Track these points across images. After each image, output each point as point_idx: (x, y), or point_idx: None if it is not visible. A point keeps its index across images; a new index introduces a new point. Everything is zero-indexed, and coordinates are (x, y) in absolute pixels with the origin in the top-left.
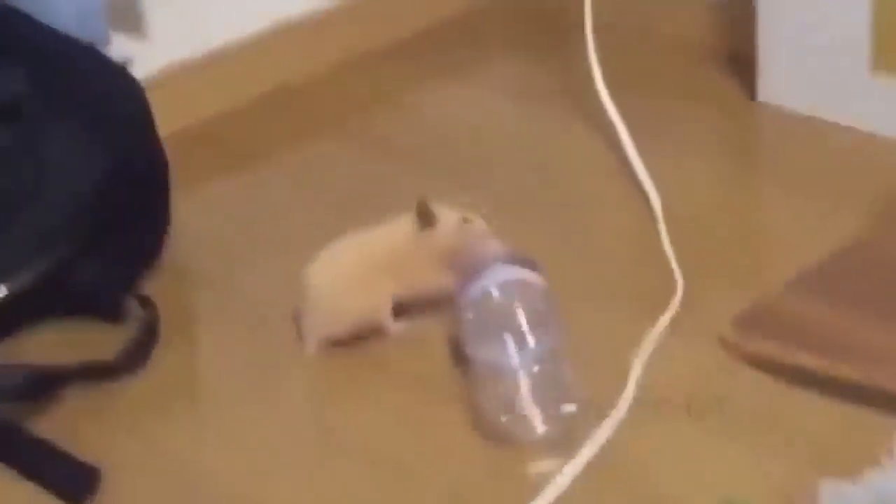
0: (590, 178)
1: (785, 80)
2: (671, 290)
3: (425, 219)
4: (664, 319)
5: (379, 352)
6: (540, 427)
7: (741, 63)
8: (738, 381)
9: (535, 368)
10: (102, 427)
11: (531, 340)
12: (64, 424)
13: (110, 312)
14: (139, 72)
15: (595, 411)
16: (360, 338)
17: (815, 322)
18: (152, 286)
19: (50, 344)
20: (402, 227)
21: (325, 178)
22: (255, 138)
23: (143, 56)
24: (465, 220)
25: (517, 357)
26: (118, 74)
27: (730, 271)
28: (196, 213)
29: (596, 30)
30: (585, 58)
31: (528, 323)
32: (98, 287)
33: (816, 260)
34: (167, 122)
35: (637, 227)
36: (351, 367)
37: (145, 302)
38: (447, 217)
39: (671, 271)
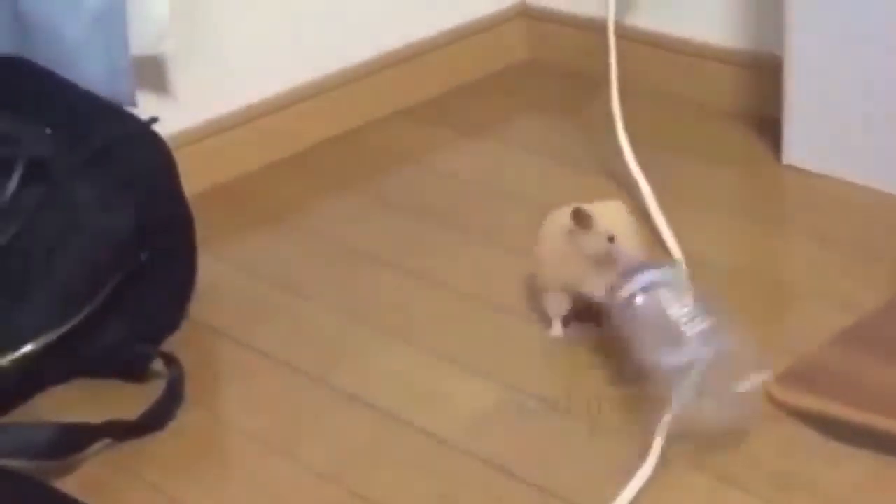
0: None
1: (810, 141)
2: None
3: (581, 221)
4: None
5: (397, 410)
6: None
7: (767, 124)
8: (768, 440)
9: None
10: (128, 485)
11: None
12: (90, 482)
13: (135, 370)
14: (165, 131)
15: (621, 472)
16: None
17: (860, 377)
18: (177, 344)
19: (75, 402)
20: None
21: (348, 235)
22: (279, 197)
23: (169, 115)
24: (610, 238)
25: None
26: (144, 134)
27: (755, 331)
28: (221, 270)
29: (620, 89)
30: (610, 117)
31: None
32: (123, 345)
33: (853, 318)
34: (192, 180)
35: None
36: (374, 425)
37: (170, 360)
38: (601, 225)
39: None
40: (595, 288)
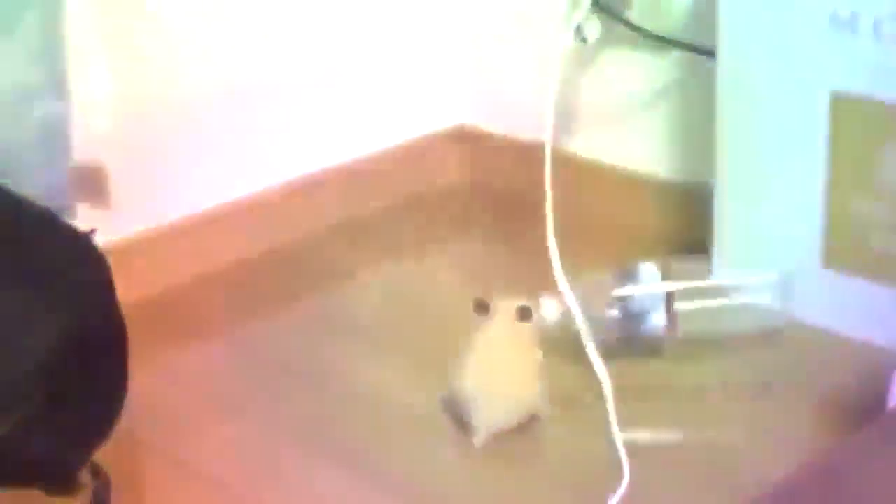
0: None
1: (740, 269)
2: (618, 478)
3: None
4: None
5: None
6: None
7: (697, 252)
8: None
9: None
10: None
11: None
12: None
13: (61, 482)
14: (102, 240)
15: None
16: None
17: None
18: (105, 455)
19: None
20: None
21: (280, 352)
22: (210, 310)
23: (107, 225)
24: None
25: None
26: (81, 243)
27: (678, 464)
28: (152, 383)
29: (556, 214)
30: (544, 240)
31: None
32: (51, 457)
33: (774, 460)
34: (128, 291)
35: (587, 413)
36: None
37: (97, 471)
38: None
39: (619, 459)
40: None
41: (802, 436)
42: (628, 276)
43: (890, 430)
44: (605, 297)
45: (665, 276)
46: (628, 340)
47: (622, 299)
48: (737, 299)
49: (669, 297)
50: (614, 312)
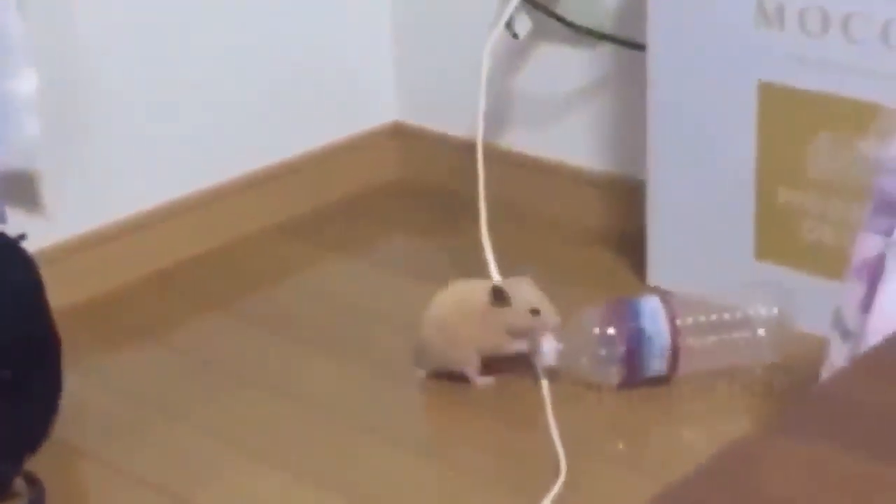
0: None
1: (674, 263)
2: (555, 473)
3: (499, 299)
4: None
5: None
6: None
7: (633, 246)
8: None
9: None
10: None
11: None
12: None
13: None
14: (34, 245)
15: None
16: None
17: None
18: (40, 463)
19: None
20: (480, 296)
21: (216, 354)
22: (147, 314)
23: (38, 231)
24: (534, 311)
25: None
26: (11, 249)
27: (614, 456)
28: (86, 388)
29: (490, 210)
30: (478, 236)
31: None
32: None
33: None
34: (62, 295)
35: (523, 408)
36: None
37: (31, 480)
38: (521, 301)
39: (556, 453)
40: (514, 348)
41: (721, 424)
42: (630, 309)
43: (813, 410)
44: (602, 333)
45: (667, 310)
46: (631, 376)
47: (625, 336)
48: (738, 333)
49: (674, 334)
50: (619, 350)
